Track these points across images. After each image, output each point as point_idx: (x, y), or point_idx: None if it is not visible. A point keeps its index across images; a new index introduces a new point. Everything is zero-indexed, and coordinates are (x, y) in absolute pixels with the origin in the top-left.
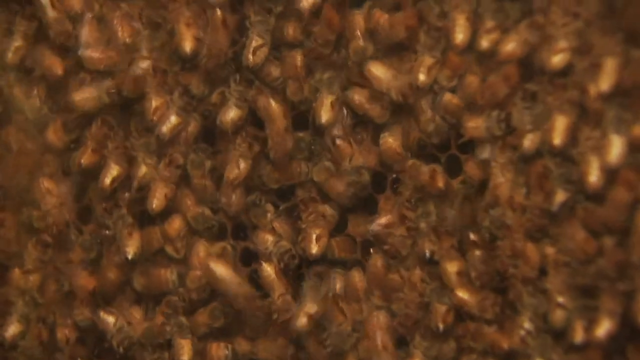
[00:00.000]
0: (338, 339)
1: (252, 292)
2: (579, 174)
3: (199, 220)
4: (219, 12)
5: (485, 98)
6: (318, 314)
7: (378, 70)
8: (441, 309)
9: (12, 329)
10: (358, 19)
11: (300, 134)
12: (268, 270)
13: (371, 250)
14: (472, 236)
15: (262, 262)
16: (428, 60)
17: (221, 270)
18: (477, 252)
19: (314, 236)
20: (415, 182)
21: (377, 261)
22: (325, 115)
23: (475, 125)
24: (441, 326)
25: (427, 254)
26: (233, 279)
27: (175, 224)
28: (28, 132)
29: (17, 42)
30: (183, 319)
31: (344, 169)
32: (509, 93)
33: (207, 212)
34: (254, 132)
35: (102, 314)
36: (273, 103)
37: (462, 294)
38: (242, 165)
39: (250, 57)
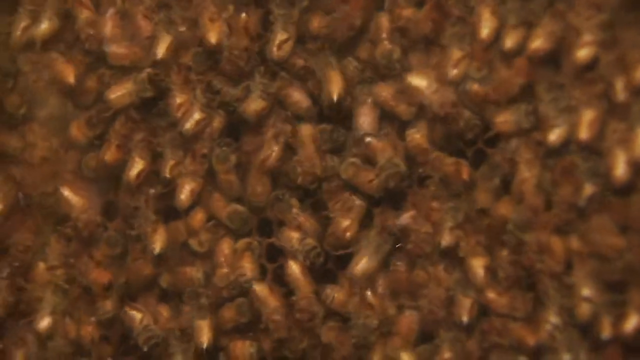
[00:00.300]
0: (364, 331)
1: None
2: (605, 168)
3: (234, 219)
4: (243, 15)
5: (511, 91)
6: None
7: (418, 81)
8: (466, 302)
9: (45, 321)
10: (383, 20)
11: (323, 126)
12: (294, 268)
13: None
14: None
15: (288, 260)
16: (457, 54)
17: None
18: (505, 253)
19: (344, 224)
20: (439, 174)
21: (400, 266)
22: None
23: (504, 119)
24: (465, 319)
25: (448, 245)
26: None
27: (198, 217)
28: (51, 129)
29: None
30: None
31: (379, 164)
32: (534, 86)
33: (240, 208)
34: (282, 124)
35: (128, 310)
36: (304, 128)
37: (492, 295)
38: (275, 148)
39: (276, 51)
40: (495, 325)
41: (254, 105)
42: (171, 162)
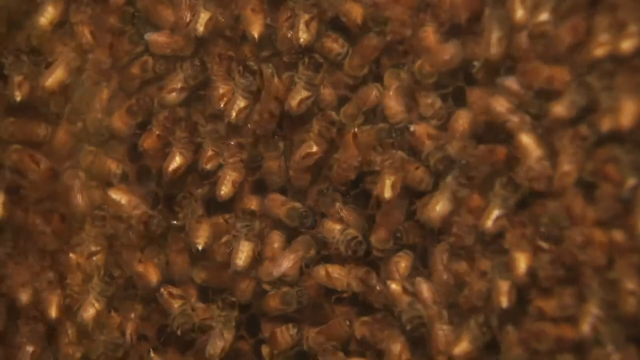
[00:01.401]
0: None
1: None
2: None
3: (293, 216)
4: None
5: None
6: None
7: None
8: (504, 285)
9: (91, 310)
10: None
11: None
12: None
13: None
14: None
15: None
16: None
17: None
18: (545, 255)
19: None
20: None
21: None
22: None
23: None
24: (505, 303)
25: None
26: None
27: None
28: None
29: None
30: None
31: (426, 151)
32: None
33: (297, 204)
34: (331, 117)
35: (164, 291)
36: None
37: (540, 303)
38: (316, 148)
39: (302, 34)
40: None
41: (299, 96)
42: (210, 153)
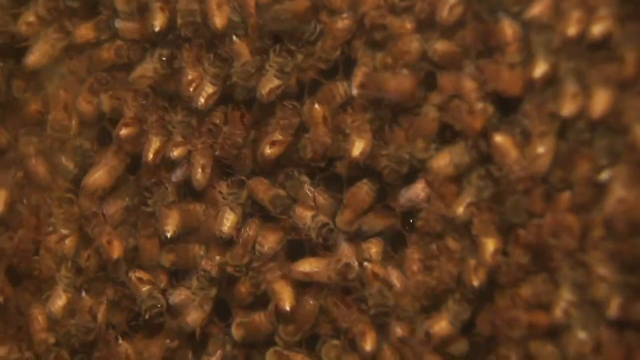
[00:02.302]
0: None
1: None
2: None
3: (276, 203)
4: None
5: None
6: None
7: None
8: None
9: (59, 302)
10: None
11: None
12: None
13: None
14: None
15: None
16: None
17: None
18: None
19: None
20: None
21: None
22: None
23: None
24: (476, 283)
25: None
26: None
27: None
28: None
29: None
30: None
31: None
32: None
33: (281, 192)
34: (294, 104)
35: (133, 276)
36: (317, 106)
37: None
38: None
39: None
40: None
41: (270, 84)
42: (178, 139)
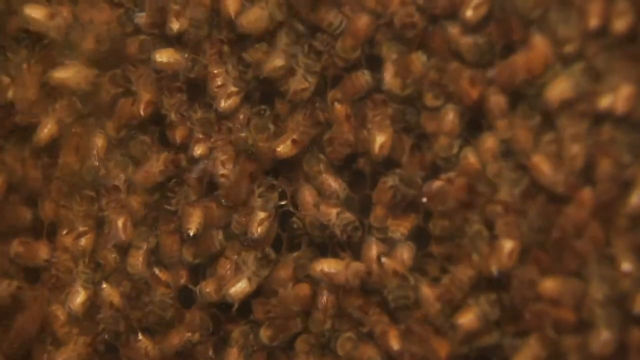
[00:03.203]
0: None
1: None
2: None
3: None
4: None
5: None
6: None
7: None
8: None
9: (78, 299)
10: None
11: None
12: None
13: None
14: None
15: None
16: None
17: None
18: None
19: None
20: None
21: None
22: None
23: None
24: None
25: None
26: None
27: None
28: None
29: None
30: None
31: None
32: None
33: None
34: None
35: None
36: (338, 105)
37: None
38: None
39: None
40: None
41: (296, 85)
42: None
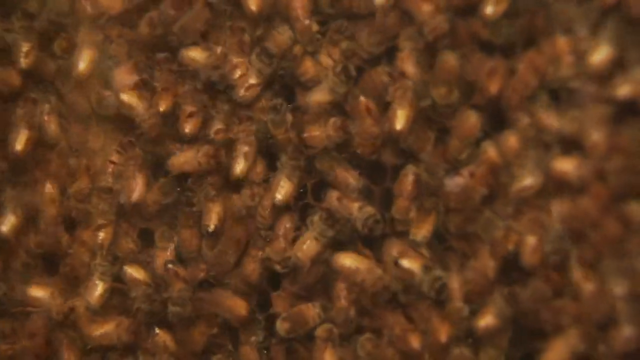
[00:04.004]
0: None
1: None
2: None
3: (370, 225)
4: None
5: None
6: None
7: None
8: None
9: (96, 293)
10: None
11: None
12: None
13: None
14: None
15: None
16: None
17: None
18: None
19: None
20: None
21: None
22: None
23: None
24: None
25: None
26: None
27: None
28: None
29: None
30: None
31: None
32: None
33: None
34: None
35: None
36: (362, 98)
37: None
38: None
39: None
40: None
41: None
42: (218, 126)
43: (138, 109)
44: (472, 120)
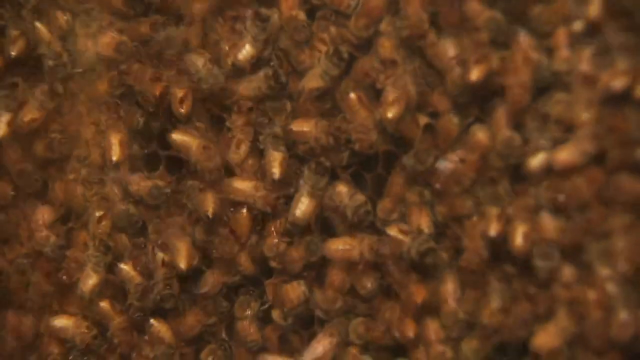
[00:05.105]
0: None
1: None
2: None
3: (360, 214)
4: None
5: None
6: None
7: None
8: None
9: (89, 282)
10: None
11: None
12: None
13: None
14: None
15: None
16: None
17: None
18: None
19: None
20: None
21: None
22: None
23: None
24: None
25: None
26: None
27: None
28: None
29: None
30: None
31: None
32: None
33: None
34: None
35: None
36: (352, 95)
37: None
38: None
39: None
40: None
41: (314, 82)
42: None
43: None
44: None
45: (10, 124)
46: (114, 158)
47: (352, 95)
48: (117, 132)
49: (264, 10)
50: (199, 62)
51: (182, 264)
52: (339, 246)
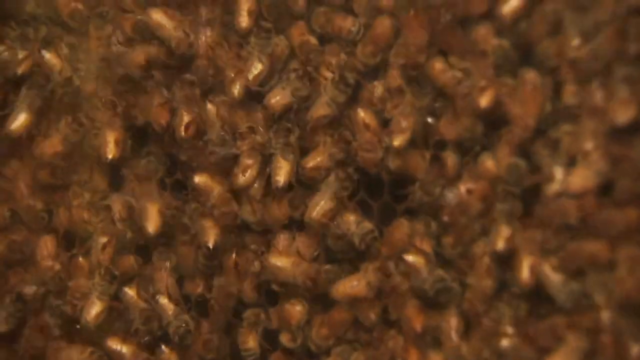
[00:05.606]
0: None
1: None
2: None
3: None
4: None
5: None
6: None
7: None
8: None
9: (93, 312)
10: None
11: None
12: None
13: None
14: None
15: None
16: None
17: None
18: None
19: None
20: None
21: None
22: None
23: None
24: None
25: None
26: None
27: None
28: None
29: None
30: None
31: None
32: None
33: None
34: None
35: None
36: (361, 113)
37: None
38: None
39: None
40: None
41: (319, 111)
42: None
43: None
44: None
45: None
46: (109, 156)
47: (360, 114)
48: (112, 131)
49: (265, 24)
50: None
51: None
52: (347, 289)
